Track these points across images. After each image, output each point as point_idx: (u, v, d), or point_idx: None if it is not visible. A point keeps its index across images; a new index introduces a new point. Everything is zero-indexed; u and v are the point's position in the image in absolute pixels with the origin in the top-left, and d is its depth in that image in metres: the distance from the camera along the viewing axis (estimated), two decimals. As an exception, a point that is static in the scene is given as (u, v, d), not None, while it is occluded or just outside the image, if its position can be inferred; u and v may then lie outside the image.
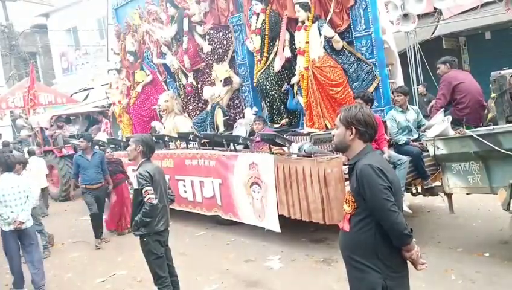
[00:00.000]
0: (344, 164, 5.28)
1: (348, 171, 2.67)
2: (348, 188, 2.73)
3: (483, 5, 10.48)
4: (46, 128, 12.82)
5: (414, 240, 2.48)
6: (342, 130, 2.61)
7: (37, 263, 5.75)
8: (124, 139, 9.87)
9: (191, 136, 8.02)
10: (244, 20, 7.97)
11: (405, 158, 5.86)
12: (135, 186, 4.35)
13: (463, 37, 12.14)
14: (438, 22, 11.70)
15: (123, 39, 10.74)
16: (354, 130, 2.57)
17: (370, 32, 6.38)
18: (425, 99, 10.73)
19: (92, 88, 19.64)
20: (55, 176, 12.34)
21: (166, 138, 8.60)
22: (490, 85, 6.09)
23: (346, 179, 5.21)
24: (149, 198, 4.18)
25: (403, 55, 9.33)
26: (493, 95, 6.10)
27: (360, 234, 2.51)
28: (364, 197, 2.45)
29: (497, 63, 7.28)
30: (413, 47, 10.62)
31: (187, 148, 8.16)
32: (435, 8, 11.05)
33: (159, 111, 9.55)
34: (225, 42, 8.40)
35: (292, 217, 5.97)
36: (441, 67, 6.53)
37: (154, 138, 7.37)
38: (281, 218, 6.13)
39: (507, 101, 5.75)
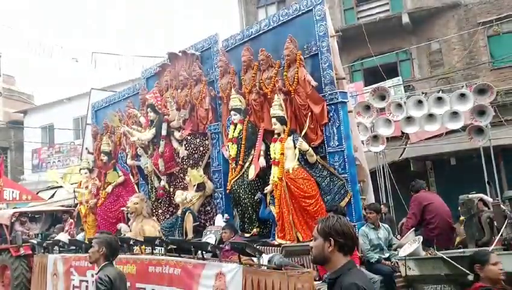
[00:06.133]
0: (315, 279, 5.11)
1: (327, 287, 2.53)
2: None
3: (448, 133, 11.13)
4: (6, 226, 12.15)
5: None
6: (320, 242, 2.51)
7: None
8: (87, 241, 9.41)
9: (157, 241, 7.70)
10: (221, 129, 8.20)
11: (377, 277, 5.70)
12: (93, 292, 4.07)
13: (429, 161, 12.70)
14: (405, 145, 12.30)
15: (99, 139, 10.82)
16: (332, 241, 2.47)
17: (343, 149, 6.58)
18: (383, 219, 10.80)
19: (60, 186, 19.25)
20: (6, 278, 11.37)
21: (131, 242, 8.23)
22: (459, 208, 6.23)
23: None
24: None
25: (372, 174, 9.60)
26: (462, 218, 6.22)
27: None
28: None
29: (462, 188, 7.52)
30: (383, 167, 11.00)
31: (152, 253, 7.80)
32: (403, 133, 11.67)
33: (127, 213, 9.31)
34: (201, 148, 8.54)
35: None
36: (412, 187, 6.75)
37: (118, 241, 7.03)
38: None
39: (475, 224, 5.86)
